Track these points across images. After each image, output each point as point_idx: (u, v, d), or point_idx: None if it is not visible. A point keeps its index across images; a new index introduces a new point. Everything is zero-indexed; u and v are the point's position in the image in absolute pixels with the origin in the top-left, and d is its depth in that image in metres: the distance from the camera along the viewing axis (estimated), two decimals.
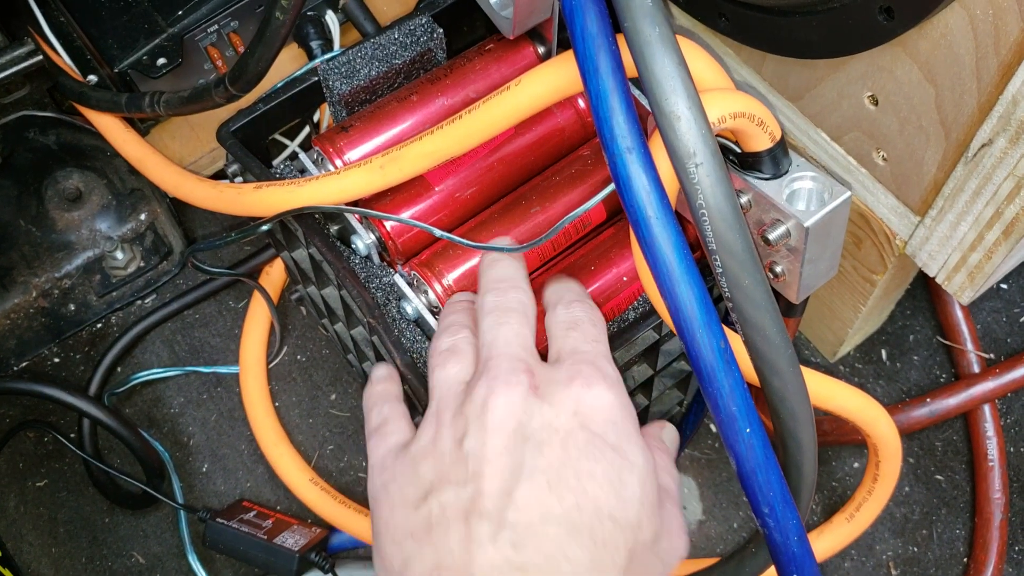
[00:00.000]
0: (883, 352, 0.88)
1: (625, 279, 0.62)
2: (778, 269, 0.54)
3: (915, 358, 0.87)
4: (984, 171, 0.55)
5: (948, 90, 0.54)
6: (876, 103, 0.59)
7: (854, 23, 0.54)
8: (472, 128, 0.55)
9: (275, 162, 0.69)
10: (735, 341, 0.47)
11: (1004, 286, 0.91)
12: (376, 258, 0.64)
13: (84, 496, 0.85)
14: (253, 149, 0.68)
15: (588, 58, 0.43)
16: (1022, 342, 0.88)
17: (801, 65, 0.63)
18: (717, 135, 0.49)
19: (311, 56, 0.78)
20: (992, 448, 0.80)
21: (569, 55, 0.50)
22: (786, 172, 0.51)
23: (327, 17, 0.78)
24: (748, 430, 0.45)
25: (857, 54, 0.57)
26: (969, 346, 0.84)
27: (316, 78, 0.69)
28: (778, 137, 0.49)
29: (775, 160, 0.50)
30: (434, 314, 0.61)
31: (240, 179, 0.68)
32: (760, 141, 0.49)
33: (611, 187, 0.47)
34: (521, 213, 0.63)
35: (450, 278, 0.60)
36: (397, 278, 0.62)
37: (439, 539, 0.43)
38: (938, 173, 0.59)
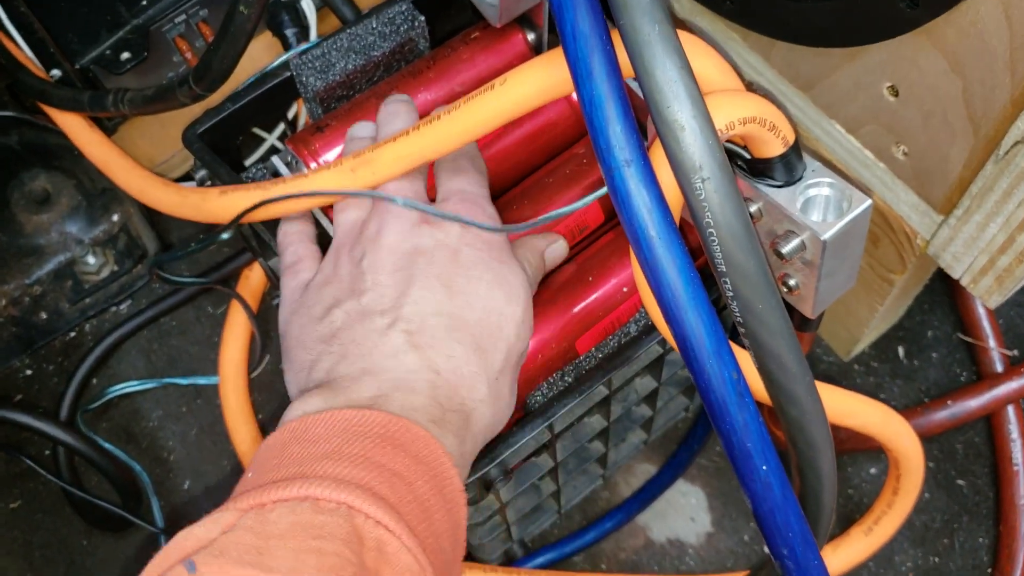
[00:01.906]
0: (900, 349, 0.84)
1: (625, 290, 0.58)
2: (792, 282, 0.49)
3: (934, 355, 0.83)
4: (1017, 170, 0.51)
5: (978, 83, 0.50)
6: (896, 94, 0.55)
7: (874, 10, 0.50)
8: (451, 131, 0.50)
9: (247, 163, 0.64)
10: (744, 359, 0.43)
11: None
12: None
13: (61, 518, 0.81)
14: (223, 150, 0.64)
15: (581, 61, 0.39)
16: None
17: (814, 53, 0.59)
18: (725, 141, 0.45)
19: (286, 45, 0.73)
20: (1017, 451, 0.77)
21: (559, 52, 0.45)
22: (800, 178, 0.46)
23: (302, 2, 0.73)
24: (764, 467, 0.43)
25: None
26: (991, 343, 0.80)
27: (289, 73, 0.64)
28: (791, 141, 0.44)
29: (788, 166, 0.45)
30: None
31: (210, 184, 0.63)
32: (772, 147, 0.44)
33: (604, 190, 0.42)
34: (512, 219, 0.58)
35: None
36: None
37: (344, 336, 0.48)
38: (964, 170, 0.55)
